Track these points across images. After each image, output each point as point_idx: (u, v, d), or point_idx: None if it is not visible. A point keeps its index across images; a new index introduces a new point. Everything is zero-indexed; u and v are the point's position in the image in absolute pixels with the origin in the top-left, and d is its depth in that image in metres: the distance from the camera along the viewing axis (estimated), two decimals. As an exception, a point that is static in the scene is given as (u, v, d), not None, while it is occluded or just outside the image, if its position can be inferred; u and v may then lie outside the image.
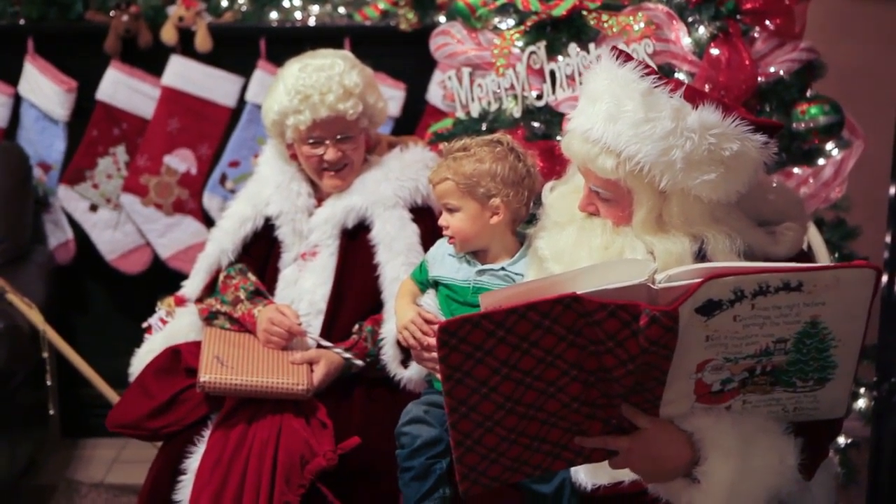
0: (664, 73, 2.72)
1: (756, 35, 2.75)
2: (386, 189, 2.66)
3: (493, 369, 1.69)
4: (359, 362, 2.57)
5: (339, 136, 2.63)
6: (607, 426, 1.80)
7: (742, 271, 1.64)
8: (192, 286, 2.77)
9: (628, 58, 1.90)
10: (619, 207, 1.95)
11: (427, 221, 2.66)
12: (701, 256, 1.89)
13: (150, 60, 3.61)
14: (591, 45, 2.75)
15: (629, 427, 1.80)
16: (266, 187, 2.74)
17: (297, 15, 3.59)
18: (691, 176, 1.84)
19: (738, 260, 1.86)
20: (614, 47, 1.93)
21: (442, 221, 2.20)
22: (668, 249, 1.88)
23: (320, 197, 2.74)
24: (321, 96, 2.58)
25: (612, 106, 1.86)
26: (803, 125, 2.74)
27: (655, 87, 1.85)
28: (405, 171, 2.69)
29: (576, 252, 1.97)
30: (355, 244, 2.66)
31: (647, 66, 1.88)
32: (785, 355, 1.72)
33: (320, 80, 2.59)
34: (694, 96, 1.85)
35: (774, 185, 2.04)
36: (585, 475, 2.01)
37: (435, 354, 2.18)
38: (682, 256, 1.87)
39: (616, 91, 1.87)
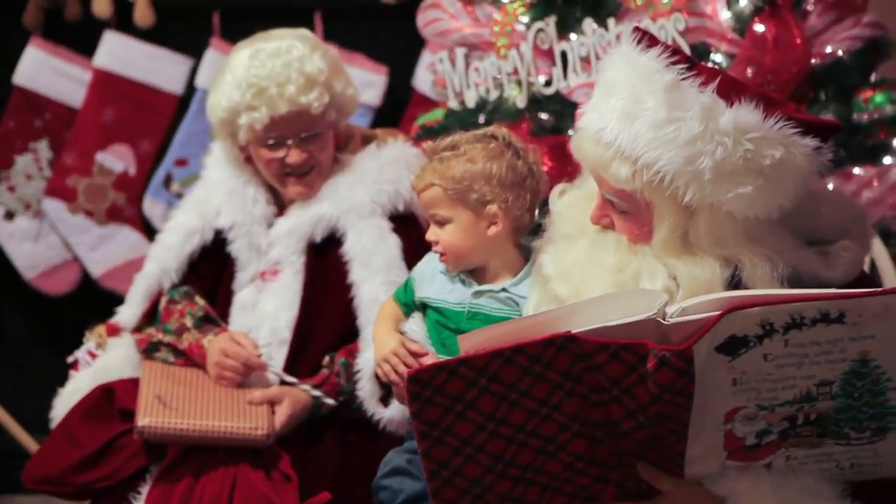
0: (698, 54, 2.76)
1: (809, 8, 2.78)
2: (361, 194, 2.66)
3: (478, 425, 1.69)
4: (330, 401, 2.57)
5: (303, 135, 2.63)
6: (622, 490, 1.80)
7: (769, 300, 1.64)
8: (128, 313, 2.77)
9: (653, 42, 1.88)
10: (637, 222, 1.94)
11: (410, 231, 2.67)
12: (734, 284, 1.87)
13: (79, 37, 3.63)
14: (611, 21, 2.77)
15: (648, 491, 1.80)
16: (215, 194, 2.74)
17: (259, -16, 3.63)
18: (722, 189, 1.83)
19: (781, 288, 1.84)
20: (637, 28, 1.92)
21: (430, 236, 2.20)
22: (694, 275, 1.87)
23: (281, 204, 2.75)
24: (279, 88, 2.58)
25: (630, 102, 1.85)
26: (866, 116, 2.76)
27: (683, 79, 1.84)
28: (383, 172, 2.69)
29: (586, 272, 1.96)
30: (325, 261, 2.66)
31: (675, 53, 1.87)
32: (831, 400, 1.71)
33: (276, 68, 2.59)
34: (729, 90, 1.84)
35: (829, 194, 2.04)
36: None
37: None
38: (712, 284, 1.85)
39: (635, 84, 1.86)
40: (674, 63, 1.85)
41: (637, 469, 1.77)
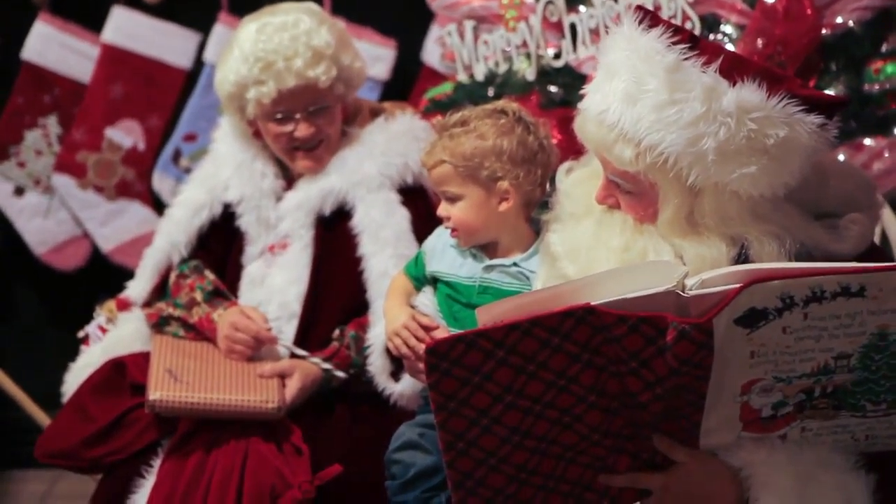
0: (708, 25, 2.75)
1: (820, -22, 2.77)
2: (369, 167, 2.66)
3: (495, 397, 1.69)
4: (341, 374, 2.58)
5: (311, 109, 2.63)
6: (637, 461, 1.80)
7: (790, 273, 1.64)
8: (137, 287, 2.78)
9: (655, 21, 1.88)
10: (642, 203, 1.94)
11: (419, 204, 2.67)
12: (742, 262, 1.87)
13: (87, 12, 3.62)
14: (620, -8, 2.76)
15: (663, 462, 1.80)
16: (224, 168, 2.75)
17: (266, -43, 3.62)
18: (726, 169, 1.83)
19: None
20: (639, 7, 1.91)
21: (441, 212, 2.20)
22: (700, 254, 1.87)
23: (290, 178, 2.75)
24: (286, 62, 2.58)
25: (632, 84, 1.85)
26: (877, 86, 2.75)
27: (685, 59, 1.83)
28: (391, 144, 2.70)
29: (592, 252, 1.97)
30: (334, 234, 2.67)
31: (678, 32, 1.86)
32: (849, 373, 1.72)
33: (283, 41, 2.59)
34: (732, 69, 1.83)
35: (835, 165, 2.03)
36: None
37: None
38: (718, 263, 1.85)
39: (636, 65, 1.85)
40: (676, 43, 1.85)
41: (653, 440, 1.78)
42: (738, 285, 1.64)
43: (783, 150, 1.83)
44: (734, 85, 1.82)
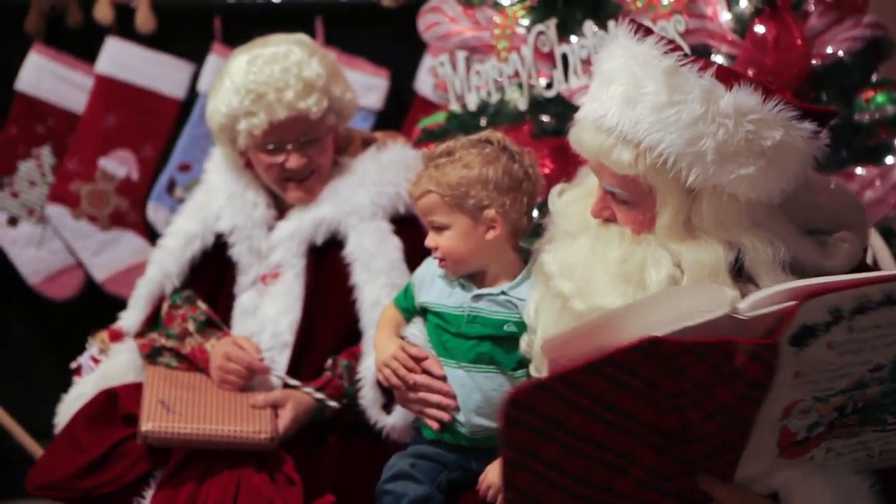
0: (699, 55, 2.76)
1: (810, 9, 2.78)
2: (362, 197, 2.67)
3: (565, 446, 1.64)
4: (333, 404, 2.58)
5: (302, 140, 2.65)
6: (680, 502, 1.76)
7: (838, 286, 1.61)
8: (130, 318, 2.78)
9: (649, 32, 1.91)
10: (640, 210, 1.96)
11: (411, 234, 2.67)
12: (738, 268, 1.90)
13: (80, 43, 3.64)
14: (611, 24, 2.77)
15: (702, 501, 1.77)
16: (216, 198, 2.75)
17: (259, -12, 3.64)
18: (725, 170, 1.85)
19: (783, 273, 1.86)
20: (632, 20, 1.95)
21: (429, 242, 2.21)
22: (698, 259, 1.89)
23: (282, 208, 2.76)
24: (277, 94, 2.60)
25: (630, 87, 1.88)
26: (867, 116, 2.76)
27: (682, 65, 1.87)
28: (383, 174, 2.71)
29: (589, 267, 1.98)
30: (326, 263, 2.67)
31: (671, 42, 1.90)
32: (880, 385, 1.70)
33: (274, 73, 2.60)
34: (728, 76, 1.86)
35: (826, 185, 2.05)
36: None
37: (424, 395, 2.22)
38: (716, 267, 1.88)
39: (634, 70, 1.88)
40: (671, 51, 1.88)
41: (696, 480, 1.75)
42: (794, 302, 1.61)
43: (780, 153, 1.86)
44: (730, 89, 1.85)
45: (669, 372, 1.63)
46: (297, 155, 2.65)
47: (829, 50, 2.77)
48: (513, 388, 1.63)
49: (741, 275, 1.91)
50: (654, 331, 1.62)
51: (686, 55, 1.89)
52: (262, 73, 2.60)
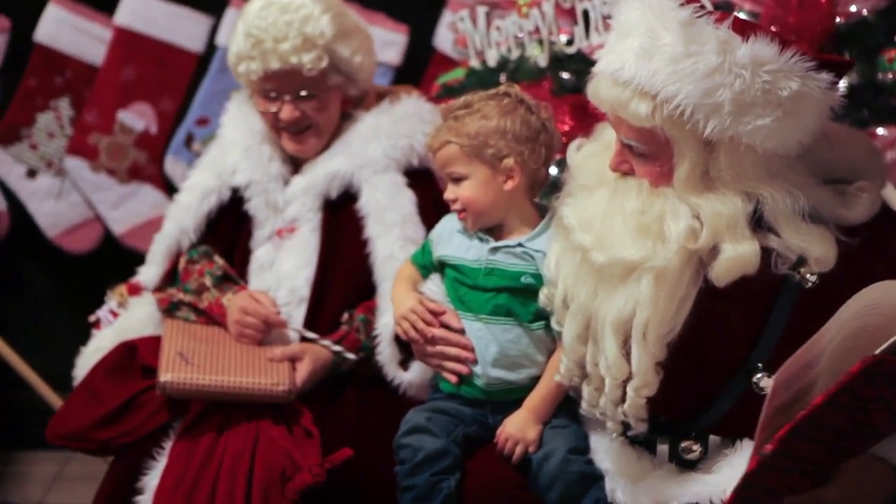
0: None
1: (834, -34, 2.77)
2: (375, 149, 2.67)
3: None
4: (351, 356, 2.59)
5: (301, 93, 2.64)
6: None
7: None
8: (148, 273, 2.79)
9: None
10: (657, 163, 1.97)
11: (425, 187, 2.67)
12: (757, 219, 1.92)
13: (99, -5, 3.64)
14: (633, -21, 2.77)
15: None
16: (231, 152, 2.76)
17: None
18: (742, 121, 1.86)
19: (804, 223, 1.87)
20: None
21: (448, 195, 2.23)
22: (716, 211, 1.90)
23: (297, 162, 2.76)
24: (274, 44, 2.59)
25: (647, 40, 1.89)
26: (891, 76, 2.75)
27: (698, 16, 1.88)
28: (397, 127, 2.70)
29: (608, 220, 1.99)
30: (341, 217, 2.68)
31: None
32: None
33: (278, 23, 2.60)
34: (744, 27, 1.87)
35: (842, 133, 2.05)
36: (623, 496, 2.06)
37: (442, 348, 2.23)
38: (735, 219, 1.89)
39: (651, 22, 1.89)
40: (687, 3, 1.90)
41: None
42: None
43: (797, 103, 1.87)
44: (747, 40, 1.86)
45: (884, 384, 1.63)
46: (291, 107, 2.65)
47: (853, 8, 2.75)
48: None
49: (761, 225, 1.92)
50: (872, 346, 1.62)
51: (702, 6, 1.90)
52: (266, 21, 2.60)
